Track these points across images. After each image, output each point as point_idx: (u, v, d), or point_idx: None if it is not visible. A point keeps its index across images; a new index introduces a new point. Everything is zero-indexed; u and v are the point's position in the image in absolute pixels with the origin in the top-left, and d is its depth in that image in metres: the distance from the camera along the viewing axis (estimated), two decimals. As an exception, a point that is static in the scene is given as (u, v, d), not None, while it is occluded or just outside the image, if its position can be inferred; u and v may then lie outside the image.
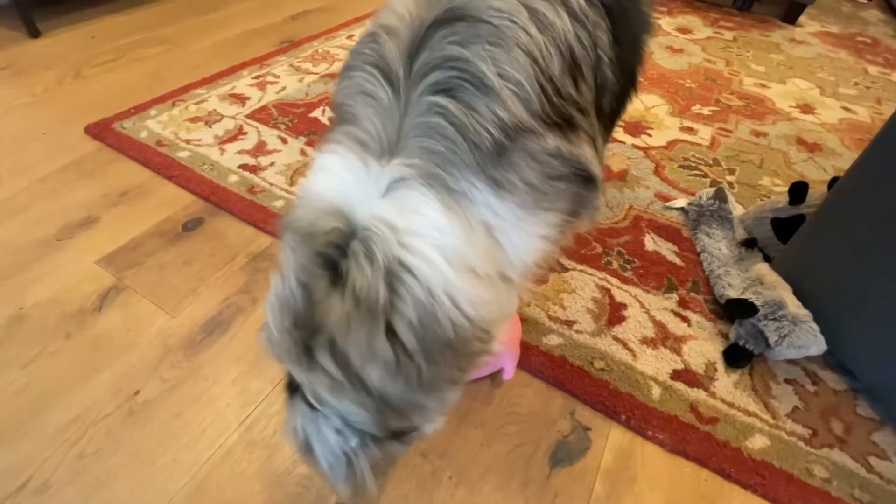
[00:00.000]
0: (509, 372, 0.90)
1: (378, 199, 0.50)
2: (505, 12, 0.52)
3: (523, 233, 0.56)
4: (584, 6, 0.59)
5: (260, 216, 1.26)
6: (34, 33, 2.07)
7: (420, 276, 0.49)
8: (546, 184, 0.55)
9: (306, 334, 0.51)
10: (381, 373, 0.50)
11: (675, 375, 0.97)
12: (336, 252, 0.50)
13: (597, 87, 0.61)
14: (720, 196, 1.26)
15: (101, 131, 1.53)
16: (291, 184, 1.37)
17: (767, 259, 1.15)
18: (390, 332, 0.49)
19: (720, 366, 0.99)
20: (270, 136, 1.55)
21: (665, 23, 2.57)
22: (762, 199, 1.40)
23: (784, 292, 1.00)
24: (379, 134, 0.52)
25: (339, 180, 0.52)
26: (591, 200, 0.62)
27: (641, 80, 0.80)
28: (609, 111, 0.68)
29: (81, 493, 0.78)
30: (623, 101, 0.77)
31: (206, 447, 0.84)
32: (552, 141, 0.53)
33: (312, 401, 0.54)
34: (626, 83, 0.73)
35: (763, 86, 2.04)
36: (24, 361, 0.94)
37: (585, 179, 0.58)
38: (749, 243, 1.18)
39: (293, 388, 0.58)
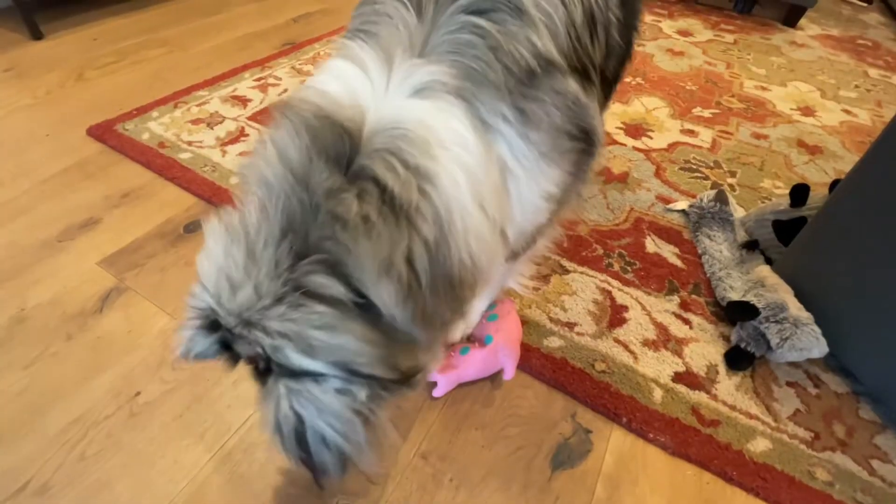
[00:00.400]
0: (509, 372, 0.90)
1: (406, 98, 0.47)
2: None
3: (532, 185, 0.55)
4: None
5: (261, 218, 1.26)
6: (37, 35, 2.08)
7: (443, 192, 0.46)
8: (561, 135, 0.54)
9: (299, 245, 0.43)
10: (395, 291, 0.44)
11: (677, 378, 0.96)
12: (348, 146, 0.44)
13: (606, 48, 0.62)
14: (721, 198, 1.26)
15: (103, 133, 1.53)
16: (293, 185, 1.37)
17: (769, 261, 1.15)
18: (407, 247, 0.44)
19: (722, 368, 0.99)
20: (272, 137, 1.55)
21: (666, 26, 2.58)
22: (763, 202, 1.40)
23: (785, 294, 1.00)
24: (403, 42, 0.49)
25: (355, 70, 0.48)
26: (587, 168, 0.63)
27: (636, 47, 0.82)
28: (611, 76, 0.69)
29: (82, 495, 0.77)
30: (623, 67, 0.77)
31: (207, 449, 0.84)
32: (573, 85, 0.53)
33: (297, 364, 0.44)
34: (626, 49, 0.73)
35: (764, 88, 2.04)
36: (25, 363, 0.94)
37: (587, 142, 0.58)
38: (750, 245, 1.18)
39: (263, 372, 0.48)
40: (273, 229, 0.44)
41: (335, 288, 0.43)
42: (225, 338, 0.47)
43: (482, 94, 0.49)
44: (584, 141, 0.58)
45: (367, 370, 0.46)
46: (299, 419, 0.46)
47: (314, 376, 0.45)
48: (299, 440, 0.47)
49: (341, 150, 0.44)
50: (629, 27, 0.71)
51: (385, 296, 0.44)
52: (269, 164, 0.46)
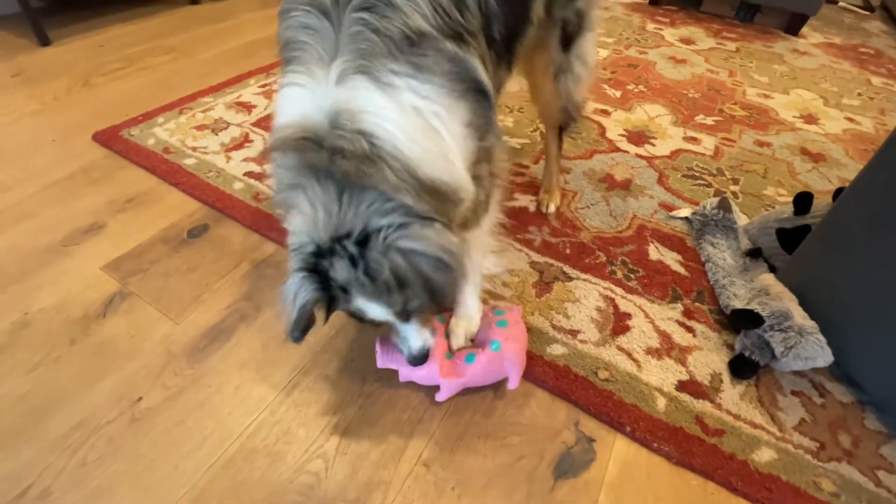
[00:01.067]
0: (514, 382, 0.89)
1: (331, 89, 0.65)
2: None
3: (451, 115, 0.71)
4: None
5: (264, 223, 1.27)
6: (44, 42, 2.10)
7: (383, 140, 0.64)
8: (454, 77, 0.71)
9: (357, 230, 0.63)
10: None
11: (681, 386, 0.96)
12: (318, 142, 0.64)
13: (482, 15, 0.77)
14: (724, 206, 1.26)
15: (108, 138, 1.54)
16: (296, 191, 1.38)
17: (772, 269, 1.15)
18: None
19: (726, 377, 0.98)
20: (276, 143, 1.56)
21: (668, 33, 2.59)
22: (766, 209, 1.40)
23: (790, 303, 0.99)
24: (321, 52, 0.67)
25: (301, 95, 0.67)
26: (489, 116, 0.79)
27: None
28: (500, 37, 0.84)
29: (82, 501, 0.77)
30: (516, 29, 0.92)
31: (208, 455, 0.83)
32: (450, 45, 0.70)
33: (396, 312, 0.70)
34: (517, 12, 0.89)
35: (766, 96, 2.04)
36: (28, 367, 0.94)
37: (479, 90, 0.75)
38: (754, 253, 1.17)
39: (399, 322, 0.73)
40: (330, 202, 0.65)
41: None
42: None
43: (375, 64, 0.66)
44: (477, 88, 0.75)
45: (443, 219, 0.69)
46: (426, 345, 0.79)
47: (422, 219, 0.66)
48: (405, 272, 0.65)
49: (315, 147, 0.64)
50: None
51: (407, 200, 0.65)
52: (290, 179, 0.68)
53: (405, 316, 0.75)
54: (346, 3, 0.67)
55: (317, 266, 0.67)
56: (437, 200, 0.69)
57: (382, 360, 0.90)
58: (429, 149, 0.68)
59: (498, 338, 0.90)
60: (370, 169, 0.63)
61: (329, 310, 0.74)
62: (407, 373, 0.90)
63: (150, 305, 1.07)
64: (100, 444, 0.84)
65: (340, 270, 0.66)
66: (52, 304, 1.06)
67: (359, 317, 0.74)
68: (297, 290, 0.67)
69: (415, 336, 0.79)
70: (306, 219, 0.66)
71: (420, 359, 0.81)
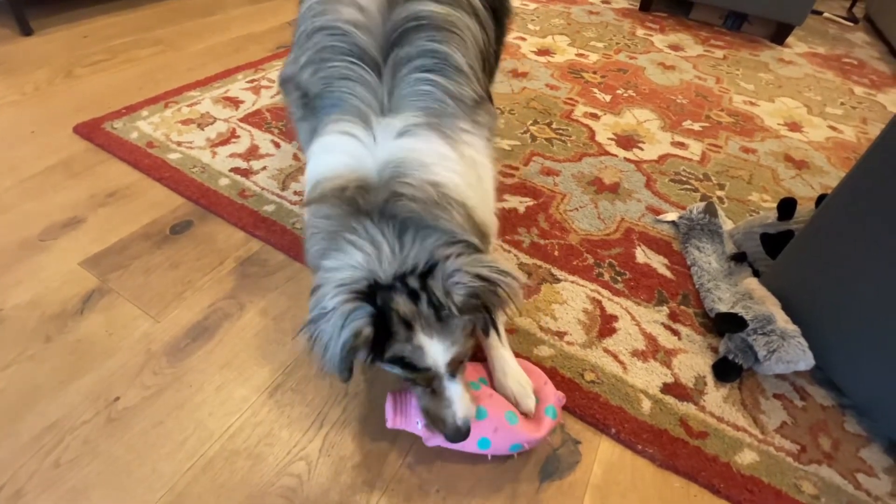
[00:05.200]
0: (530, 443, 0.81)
1: (392, 141, 0.68)
2: (458, 26, 0.78)
3: (491, 168, 0.79)
4: (485, 15, 0.88)
5: (250, 220, 1.25)
6: (26, 31, 2.05)
7: (451, 189, 0.68)
8: (492, 133, 0.82)
9: (422, 268, 0.64)
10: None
11: (666, 389, 0.96)
12: (368, 192, 0.66)
13: (484, 61, 0.88)
14: (710, 210, 1.27)
15: (90, 131, 1.50)
16: (283, 188, 1.36)
17: (756, 273, 1.16)
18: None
19: (710, 380, 0.99)
20: (263, 140, 1.54)
21: (657, 40, 2.62)
22: (751, 215, 1.41)
23: (773, 307, 1.01)
24: (371, 102, 0.70)
25: (351, 145, 0.68)
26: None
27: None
28: (488, 71, 0.96)
29: (56, 503, 0.75)
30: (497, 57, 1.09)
31: (187, 457, 0.81)
32: (490, 105, 0.84)
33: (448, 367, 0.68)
34: (497, 50, 1.05)
35: (752, 103, 2.08)
36: (1, 365, 0.91)
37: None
38: (738, 257, 1.19)
39: (447, 376, 0.70)
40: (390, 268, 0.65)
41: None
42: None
43: (445, 122, 0.72)
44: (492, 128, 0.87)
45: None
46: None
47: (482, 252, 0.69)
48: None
49: (369, 194, 0.66)
50: (500, 39, 1.08)
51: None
52: (334, 226, 0.68)
53: (456, 365, 0.70)
54: (404, 62, 0.70)
55: (368, 299, 0.63)
56: (483, 242, 0.73)
57: (399, 422, 0.79)
58: (479, 196, 0.74)
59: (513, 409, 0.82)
60: (441, 212, 0.66)
61: (375, 349, 0.66)
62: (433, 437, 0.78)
63: (130, 303, 1.04)
64: (75, 444, 0.82)
65: (403, 304, 0.63)
66: (27, 300, 1.03)
67: (412, 363, 0.67)
68: (344, 320, 0.62)
69: (460, 399, 0.70)
70: (363, 256, 0.64)
71: (464, 432, 0.71)
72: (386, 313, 0.63)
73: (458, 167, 0.70)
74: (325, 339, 0.63)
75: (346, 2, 0.75)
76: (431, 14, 0.74)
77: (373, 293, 0.63)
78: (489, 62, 0.92)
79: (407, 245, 0.64)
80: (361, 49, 0.71)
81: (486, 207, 0.76)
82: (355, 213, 0.66)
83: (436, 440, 0.78)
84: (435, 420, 0.74)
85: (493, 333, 0.73)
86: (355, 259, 0.64)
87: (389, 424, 0.80)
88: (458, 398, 0.71)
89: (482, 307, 0.66)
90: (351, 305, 0.62)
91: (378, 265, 0.63)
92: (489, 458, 0.81)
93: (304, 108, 0.79)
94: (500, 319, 0.88)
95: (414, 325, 0.64)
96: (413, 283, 0.63)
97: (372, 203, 0.65)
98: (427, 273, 0.64)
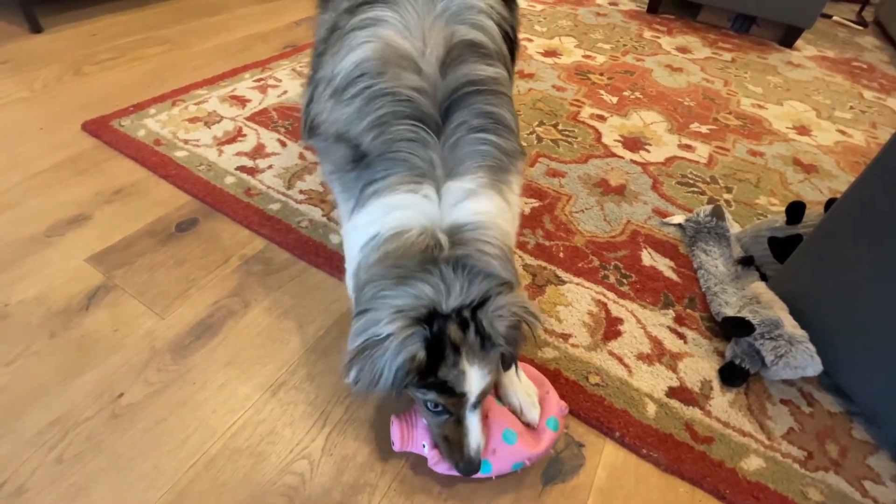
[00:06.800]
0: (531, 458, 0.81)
1: (463, 203, 0.72)
2: (505, 84, 0.84)
3: (516, 196, 0.83)
4: (508, 60, 0.94)
5: (255, 219, 1.25)
6: (36, 29, 2.06)
7: (511, 240, 0.77)
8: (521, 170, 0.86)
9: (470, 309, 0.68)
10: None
11: (671, 393, 0.96)
12: (436, 254, 0.70)
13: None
14: (717, 213, 1.26)
15: (98, 128, 1.51)
16: (289, 187, 1.36)
17: (764, 277, 1.15)
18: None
19: (716, 384, 0.98)
20: (270, 138, 1.54)
21: (665, 42, 2.60)
22: (759, 218, 1.40)
23: (781, 312, 1.00)
24: (436, 162, 0.74)
25: (416, 198, 0.72)
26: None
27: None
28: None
29: (58, 499, 0.75)
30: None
31: (190, 455, 0.81)
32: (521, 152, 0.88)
33: (478, 396, 0.71)
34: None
35: (760, 106, 2.06)
36: (5, 360, 0.91)
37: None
38: (746, 261, 1.18)
39: (472, 405, 0.72)
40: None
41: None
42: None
43: (502, 177, 0.78)
44: None
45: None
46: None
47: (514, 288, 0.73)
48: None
49: (438, 251, 0.70)
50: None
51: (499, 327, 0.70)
52: (397, 273, 0.70)
53: (482, 397, 0.73)
54: (460, 124, 0.75)
55: (425, 326, 0.67)
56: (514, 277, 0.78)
57: (408, 445, 0.80)
58: (513, 233, 0.81)
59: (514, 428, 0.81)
60: (507, 263, 0.73)
61: (427, 371, 0.68)
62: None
63: (135, 299, 1.05)
64: (78, 440, 0.82)
65: (454, 332, 0.67)
66: (32, 295, 1.03)
67: (452, 388, 0.69)
68: (401, 343, 0.65)
69: (477, 429, 0.73)
70: (431, 289, 0.67)
71: (475, 466, 0.74)
72: (440, 339, 0.67)
73: (509, 215, 0.77)
74: (380, 364, 0.66)
75: (406, 66, 0.76)
76: (485, 78, 0.79)
77: (430, 321, 0.67)
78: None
79: (464, 284, 0.68)
80: (424, 113, 0.75)
81: (512, 242, 0.81)
82: (431, 261, 0.69)
83: (442, 467, 0.78)
84: (451, 448, 0.75)
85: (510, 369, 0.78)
86: (422, 291, 0.67)
87: (397, 448, 0.80)
88: (475, 428, 0.73)
89: (515, 340, 0.71)
90: (410, 330, 0.65)
91: (444, 299, 0.67)
92: (493, 478, 0.81)
93: (355, 164, 0.79)
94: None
95: (461, 351, 0.68)
96: (466, 313, 0.68)
97: (446, 255, 0.69)
98: (478, 306, 0.68)
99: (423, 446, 0.79)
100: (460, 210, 0.72)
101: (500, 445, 0.78)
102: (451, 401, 0.71)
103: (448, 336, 0.67)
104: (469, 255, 0.70)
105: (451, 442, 0.74)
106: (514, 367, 0.83)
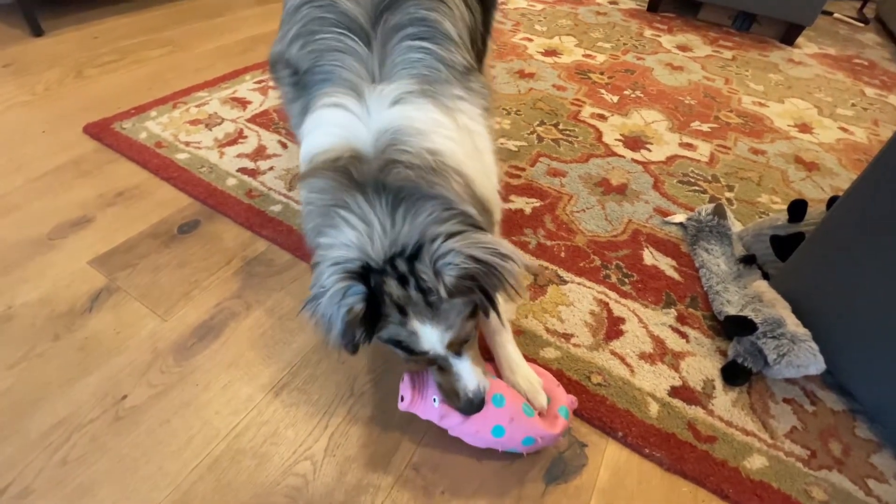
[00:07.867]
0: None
1: (387, 109, 0.66)
2: None
3: (489, 139, 0.78)
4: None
5: (257, 220, 1.25)
6: (37, 32, 2.07)
7: (448, 157, 0.66)
8: (487, 104, 0.81)
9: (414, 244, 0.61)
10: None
11: (673, 392, 0.95)
12: (364, 161, 0.64)
13: (471, 41, 0.87)
14: (719, 212, 1.26)
15: (99, 131, 1.52)
16: (290, 188, 1.36)
17: (766, 276, 1.15)
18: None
19: (718, 383, 0.98)
20: (271, 140, 1.55)
21: (665, 40, 2.60)
22: (761, 216, 1.40)
23: (783, 310, 0.99)
24: (363, 73, 0.69)
25: (343, 116, 0.67)
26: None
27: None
28: (477, 50, 0.95)
29: (63, 500, 0.75)
30: (484, 42, 1.07)
31: (193, 456, 0.82)
32: (479, 74, 0.83)
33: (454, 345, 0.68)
34: (484, 34, 1.03)
35: (761, 104, 2.06)
36: (9, 362, 0.92)
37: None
38: (748, 260, 1.17)
39: (454, 354, 0.69)
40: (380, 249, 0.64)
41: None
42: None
43: (440, 89, 0.70)
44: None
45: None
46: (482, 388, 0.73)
47: (479, 229, 0.65)
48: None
49: (363, 164, 0.64)
50: (487, 23, 1.07)
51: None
52: (329, 200, 0.65)
53: (458, 346, 0.69)
54: (394, 30, 0.70)
55: (361, 279, 0.62)
56: (484, 217, 0.70)
57: (416, 401, 0.79)
58: (478, 168, 0.72)
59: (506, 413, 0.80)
60: (438, 178, 0.64)
61: (370, 330, 0.66)
62: (455, 424, 0.78)
63: (138, 301, 1.05)
64: (82, 442, 0.82)
65: (395, 288, 0.62)
66: (36, 298, 1.04)
67: (409, 347, 0.67)
68: (340, 298, 0.61)
69: (470, 372, 0.70)
70: (356, 234, 0.62)
71: (477, 404, 0.72)
72: (378, 295, 0.63)
73: (454, 135, 0.69)
74: (326, 316, 0.64)
75: None
76: None
77: (366, 274, 0.63)
78: (476, 44, 0.92)
79: (399, 222, 0.61)
80: (350, 19, 0.70)
81: (487, 182, 0.73)
82: (349, 185, 0.64)
83: (450, 420, 0.78)
84: (448, 394, 0.75)
85: (497, 322, 0.72)
86: (347, 237, 0.63)
87: (405, 405, 0.79)
88: (468, 372, 0.71)
89: (478, 289, 0.64)
90: (344, 284, 0.62)
91: (369, 245, 0.62)
92: (500, 450, 0.81)
93: (295, 87, 0.77)
94: (502, 302, 0.81)
95: (407, 310, 0.63)
96: (402, 266, 0.61)
97: (366, 174, 0.63)
98: (415, 255, 0.61)
99: (434, 400, 0.79)
100: (383, 120, 0.66)
101: (518, 415, 0.78)
102: (417, 358, 0.69)
103: (388, 294, 0.62)
104: (393, 173, 0.62)
105: (445, 388, 0.75)
106: (498, 318, 0.72)
